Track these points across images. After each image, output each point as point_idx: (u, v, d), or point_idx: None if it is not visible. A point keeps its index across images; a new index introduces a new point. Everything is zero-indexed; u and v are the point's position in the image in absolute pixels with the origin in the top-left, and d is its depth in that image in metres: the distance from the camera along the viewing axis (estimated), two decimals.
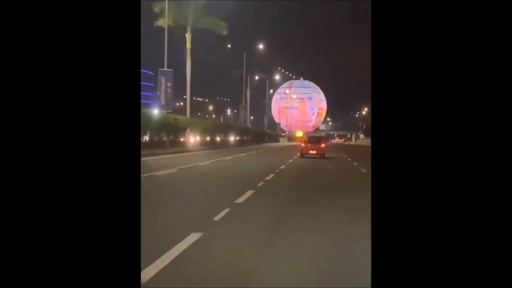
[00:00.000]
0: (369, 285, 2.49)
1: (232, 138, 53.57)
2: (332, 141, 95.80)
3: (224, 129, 52.92)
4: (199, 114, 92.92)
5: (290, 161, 22.75)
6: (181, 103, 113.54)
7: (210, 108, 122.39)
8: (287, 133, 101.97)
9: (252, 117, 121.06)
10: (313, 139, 29.49)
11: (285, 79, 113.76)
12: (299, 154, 27.00)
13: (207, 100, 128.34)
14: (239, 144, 52.22)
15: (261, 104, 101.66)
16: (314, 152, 26.23)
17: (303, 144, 27.35)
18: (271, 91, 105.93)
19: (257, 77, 79.30)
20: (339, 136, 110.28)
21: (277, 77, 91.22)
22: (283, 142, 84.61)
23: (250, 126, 75.51)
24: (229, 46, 67.63)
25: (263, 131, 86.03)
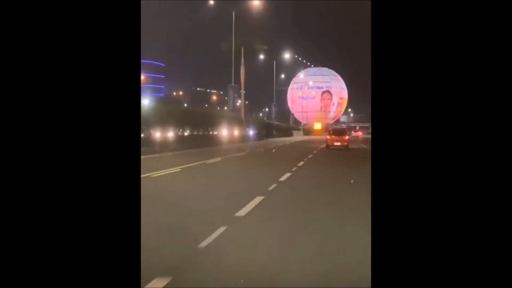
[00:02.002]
0: (369, 285, 2.69)
1: (215, 132, 40.54)
2: (354, 133, 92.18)
3: (192, 119, 36.27)
4: (206, 105, 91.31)
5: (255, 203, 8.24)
6: (180, 92, 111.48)
7: (214, 98, 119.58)
8: (302, 125, 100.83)
9: (266, 109, 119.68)
10: (338, 131, 34.05)
11: (298, 64, 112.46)
12: (309, 157, 22.36)
13: (222, 92, 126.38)
14: (225, 140, 39.03)
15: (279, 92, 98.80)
16: (339, 143, 30.81)
17: (328, 137, 32.04)
18: (282, 76, 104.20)
19: (261, 56, 68.75)
20: (357, 129, 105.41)
21: (286, 55, 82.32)
22: (297, 136, 79.27)
23: (264, 116, 67.87)
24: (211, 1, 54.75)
25: (269, 123, 74.99)
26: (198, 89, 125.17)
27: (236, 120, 49.03)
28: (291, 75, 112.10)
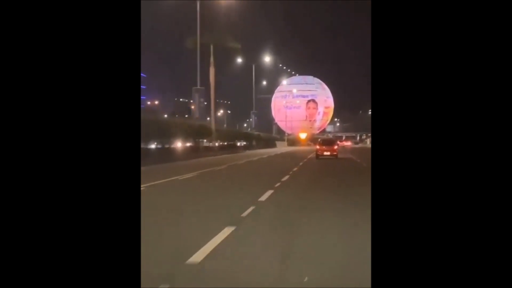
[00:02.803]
0: (369, 285, 2.77)
1: (178, 145, 34.66)
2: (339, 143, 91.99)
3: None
4: (186, 116, 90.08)
5: None
6: (156, 102, 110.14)
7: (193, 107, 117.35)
8: (286, 135, 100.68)
9: (250, 119, 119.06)
10: (327, 141, 35.82)
11: (281, 72, 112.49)
12: (284, 179, 15.23)
13: (206, 102, 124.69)
14: (183, 155, 32.01)
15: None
16: (328, 153, 31.98)
17: (318, 146, 33.65)
18: (264, 82, 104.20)
19: (239, 59, 65.25)
20: (344, 139, 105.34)
21: (267, 59, 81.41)
22: (281, 147, 76.37)
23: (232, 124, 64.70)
24: None
25: (247, 133, 71.15)
26: (181, 99, 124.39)
27: (203, 130, 42.38)
28: (274, 84, 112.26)
